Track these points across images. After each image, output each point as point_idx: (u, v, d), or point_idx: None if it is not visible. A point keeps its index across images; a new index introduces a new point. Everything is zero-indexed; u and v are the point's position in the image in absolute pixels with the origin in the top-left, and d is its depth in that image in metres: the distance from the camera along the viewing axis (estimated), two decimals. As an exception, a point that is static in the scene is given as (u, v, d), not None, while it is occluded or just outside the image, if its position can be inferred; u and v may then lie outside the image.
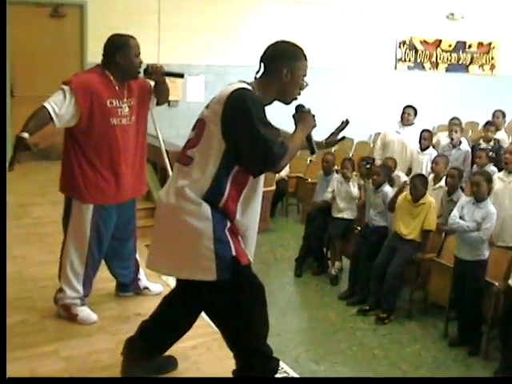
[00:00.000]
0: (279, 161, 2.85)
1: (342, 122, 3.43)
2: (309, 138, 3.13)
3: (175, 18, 10.54)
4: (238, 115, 2.83)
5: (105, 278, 4.49)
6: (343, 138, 3.48)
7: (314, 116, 3.09)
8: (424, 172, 8.16)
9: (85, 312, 4.19)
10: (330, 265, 8.12)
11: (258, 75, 3.05)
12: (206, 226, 2.88)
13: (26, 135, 3.67)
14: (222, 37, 11.12)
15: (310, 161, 10.52)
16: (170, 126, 10.01)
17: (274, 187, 9.65)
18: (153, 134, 7.15)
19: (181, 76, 4.34)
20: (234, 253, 2.93)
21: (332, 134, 3.49)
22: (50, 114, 3.79)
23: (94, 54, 9.07)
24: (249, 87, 2.95)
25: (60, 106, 3.82)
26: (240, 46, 11.16)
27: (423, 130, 8.98)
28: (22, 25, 9.44)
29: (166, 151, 7.53)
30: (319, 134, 3.34)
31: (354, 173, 8.37)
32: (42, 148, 3.83)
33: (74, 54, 9.84)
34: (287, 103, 3.12)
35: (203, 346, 3.91)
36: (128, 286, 4.57)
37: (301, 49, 3.09)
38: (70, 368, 3.62)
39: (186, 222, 2.90)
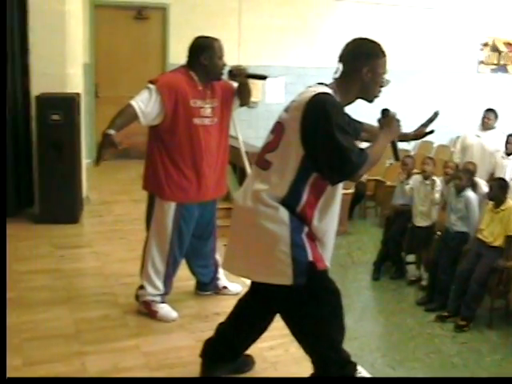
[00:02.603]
0: (357, 170, 2.78)
1: (435, 113, 3.36)
2: (393, 145, 3.06)
3: (255, 19, 10.61)
4: (318, 122, 2.77)
5: (184, 277, 4.55)
6: (432, 131, 3.39)
7: (399, 121, 3.02)
8: (508, 177, 7.95)
9: (165, 309, 4.25)
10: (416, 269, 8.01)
11: (338, 75, 2.99)
12: (282, 231, 2.85)
13: (112, 132, 3.76)
14: (301, 38, 11.12)
15: (390, 164, 10.39)
16: (250, 127, 10.07)
17: (352, 190, 9.58)
18: (232, 134, 7.23)
19: (264, 78, 4.33)
20: (310, 257, 2.88)
21: (422, 125, 3.41)
22: (136, 112, 3.87)
23: (176, 56, 9.34)
24: (329, 90, 2.89)
25: (146, 104, 3.90)
26: (319, 47, 11.14)
27: (509, 135, 8.75)
28: (108, 27, 9.73)
29: (246, 152, 7.59)
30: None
31: (439, 178, 8.19)
32: (124, 147, 3.90)
33: (157, 55, 10.05)
34: (370, 101, 3.07)
35: (281, 347, 3.90)
36: (207, 285, 4.61)
37: (379, 45, 3.00)
38: (150, 363, 3.68)
39: (262, 225, 2.88)
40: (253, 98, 4.51)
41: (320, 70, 10.20)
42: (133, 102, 3.89)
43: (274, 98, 10.65)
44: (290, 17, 10.99)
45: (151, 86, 3.95)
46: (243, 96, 4.35)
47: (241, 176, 7.88)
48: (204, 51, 4.06)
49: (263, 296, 3.16)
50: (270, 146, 2.97)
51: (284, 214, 2.85)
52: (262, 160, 3.00)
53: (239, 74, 4.15)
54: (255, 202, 2.91)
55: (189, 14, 9.96)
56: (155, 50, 10.04)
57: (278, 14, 10.85)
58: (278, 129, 2.96)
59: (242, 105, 4.43)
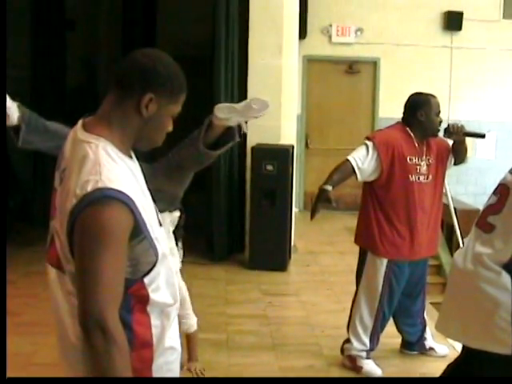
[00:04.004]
0: None
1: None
2: None
3: (466, 72, 10.35)
4: None
5: (390, 334, 4.48)
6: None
7: None
8: None
9: (370, 366, 4.22)
10: None
11: None
12: (504, 296, 2.74)
13: (329, 188, 3.88)
14: (514, 92, 10.70)
15: None
16: (458, 183, 9.81)
17: None
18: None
19: (482, 136, 4.24)
20: None
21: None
22: (353, 168, 3.95)
23: (386, 110, 9.36)
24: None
25: (363, 161, 3.96)
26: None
27: None
28: (319, 80, 10.00)
29: (454, 208, 7.42)
30: None
31: None
32: (336, 202, 3.98)
33: (366, 109, 10.11)
34: None
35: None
36: (413, 345, 4.51)
37: None
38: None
39: (483, 289, 2.79)
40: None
41: (535, 125, 9.80)
42: (350, 158, 3.98)
43: (485, 154, 10.30)
44: (502, 71, 10.62)
45: (368, 142, 4.02)
46: (459, 154, 4.27)
47: (448, 233, 7.67)
48: (421, 107, 4.06)
49: (477, 363, 3.04)
50: (494, 209, 2.88)
51: (507, 279, 2.74)
52: (483, 222, 2.92)
53: (456, 131, 4.07)
54: (476, 264, 2.83)
55: (399, 68, 9.94)
56: (365, 104, 10.13)
57: (489, 68, 10.53)
58: (503, 191, 2.87)
59: (456, 163, 4.35)
